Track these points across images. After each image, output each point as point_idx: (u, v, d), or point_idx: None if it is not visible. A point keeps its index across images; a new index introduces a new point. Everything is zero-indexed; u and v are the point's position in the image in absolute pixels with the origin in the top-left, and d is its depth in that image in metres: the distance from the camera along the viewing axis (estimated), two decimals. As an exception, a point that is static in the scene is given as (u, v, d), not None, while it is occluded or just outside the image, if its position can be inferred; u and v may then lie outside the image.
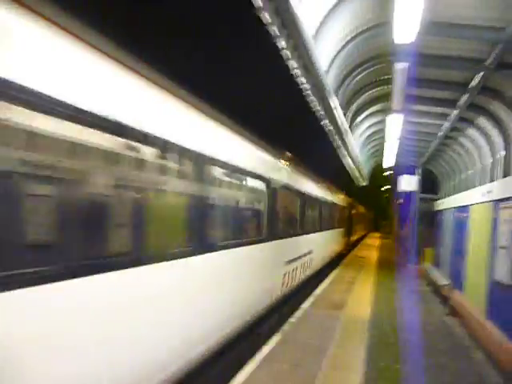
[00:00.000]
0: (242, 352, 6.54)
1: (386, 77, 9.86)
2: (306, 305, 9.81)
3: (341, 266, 17.64)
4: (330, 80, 8.19)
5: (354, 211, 28.24)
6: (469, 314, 9.52)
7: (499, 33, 6.66)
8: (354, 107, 11.30)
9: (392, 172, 31.94)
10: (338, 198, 18.95)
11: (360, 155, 18.60)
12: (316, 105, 8.56)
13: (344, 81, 9.15)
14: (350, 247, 25.59)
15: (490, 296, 8.39)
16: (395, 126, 11.16)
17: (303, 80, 6.99)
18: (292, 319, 8.46)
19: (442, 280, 11.59)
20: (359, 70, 8.86)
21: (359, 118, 12.57)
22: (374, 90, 10.66)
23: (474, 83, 8.71)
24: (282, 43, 5.47)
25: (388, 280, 15.08)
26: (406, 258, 19.87)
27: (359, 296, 11.35)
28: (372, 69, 8.97)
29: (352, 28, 7.51)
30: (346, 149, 14.39)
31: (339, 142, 12.69)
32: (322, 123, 9.84)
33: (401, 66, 7.47)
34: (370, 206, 60.29)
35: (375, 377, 6.01)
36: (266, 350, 6.59)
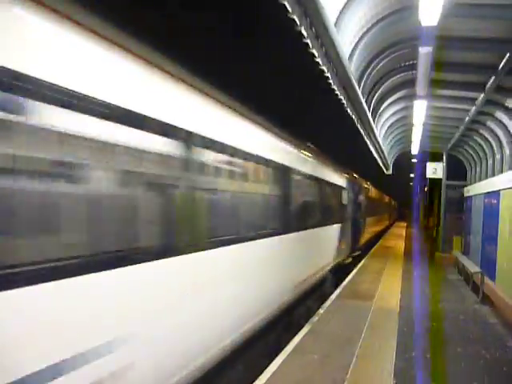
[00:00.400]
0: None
1: (410, 62, 9.67)
2: (334, 296, 9.78)
3: (368, 257, 17.50)
4: (353, 67, 8.07)
5: (382, 201, 28.83)
6: (502, 301, 9.33)
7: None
8: (377, 94, 11.11)
9: (416, 160, 31.47)
10: (372, 192, 22.04)
11: (384, 143, 18.33)
12: (339, 93, 8.46)
13: (367, 68, 9.00)
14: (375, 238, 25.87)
15: (523, 283, 8.20)
16: (420, 112, 10.95)
17: (325, 69, 6.90)
18: (321, 310, 8.45)
19: (473, 268, 11.36)
20: (382, 56, 8.69)
21: (383, 106, 12.37)
22: (397, 76, 10.46)
23: (501, 64, 8.46)
24: (303, 32, 5.42)
25: (416, 269, 14.89)
26: (434, 246, 19.58)
27: (388, 286, 11.24)
28: (395, 54, 8.79)
29: (374, 13, 7.37)
30: (370, 137, 14.21)
31: (364, 131, 12.55)
32: (347, 112, 9.72)
33: (425, 50, 7.32)
34: (395, 194, 59.57)
35: (407, 367, 5.95)
36: (295, 340, 6.61)
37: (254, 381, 5.19)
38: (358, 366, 5.70)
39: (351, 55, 7.95)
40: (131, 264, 3.16)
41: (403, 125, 16.24)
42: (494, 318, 8.84)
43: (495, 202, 10.96)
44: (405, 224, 54.42)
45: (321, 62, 6.59)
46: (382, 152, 18.96)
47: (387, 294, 10.17)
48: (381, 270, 13.98)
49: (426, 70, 8.10)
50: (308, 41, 5.70)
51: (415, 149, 18.72)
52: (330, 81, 7.49)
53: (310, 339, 6.70)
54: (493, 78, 9.17)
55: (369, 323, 7.70)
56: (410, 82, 10.32)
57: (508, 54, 8.01)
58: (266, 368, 5.55)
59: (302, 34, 5.48)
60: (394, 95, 11.74)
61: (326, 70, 6.98)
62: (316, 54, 6.22)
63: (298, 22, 5.25)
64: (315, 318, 7.86)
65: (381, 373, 5.52)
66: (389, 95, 11.61)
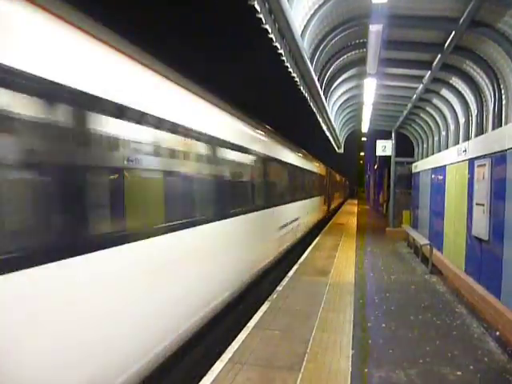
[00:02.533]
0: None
1: (361, 40, 9.77)
2: (291, 273, 9.92)
3: (322, 234, 17.85)
4: (305, 44, 8.05)
5: (333, 179, 29.43)
6: (449, 271, 9.82)
7: (473, -11, 6.63)
8: (329, 72, 11.19)
9: (366, 138, 32.24)
10: (320, 168, 20.37)
11: (336, 121, 18.59)
12: (292, 70, 8.43)
13: (319, 45, 9.01)
14: (330, 214, 26.52)
15: (468, 252, 8.64)
16: (370, 90, 11.14)
17: (278, 45, 6.83)
18: (279, 287, 8.55)
19: (422, 240, 11.86)
20: (334, 33, 8.72)
21: (335, 84, 12.49)
22: (349, 54, 10.57)
23: (447, 42, 8.72)
24: (257, 6, 5.31)
25: (369, 244, 15.38)
26: (385, 221, 20.26)
27: (343, 261, 11.54)
28: (347, 32, 8.84)
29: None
30: (322, 115, 14.34)
31: (315, 109, 12.64)
32: (299, 89, 9.73)
33: (375, 28, 7.37)
34: (346, 173, 60.97)
35: (363, 336, 6.16)
36: (256, 317, 6.66)
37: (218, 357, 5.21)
38: (317, 339, 5.83)
39: (303, 32, 7.93)
40: None
41: (354, 103, 16.53)
42: (443, 286, 9.30)
43: (441, 176, 11.42)
44: (356, 201, 55.96)
45: (274, 39, 6.53)
46: (334, 130, 19.25)
47: (342, 269, 10.43)
48: (335, 246, 14.31)
49: (376, 48, 8.19)
50: (261, 16, 5.60)
51: (365, 127, 19.15)
52: (283, 58, 7.44)
53: (270, 315, 6.78)
54: (439, 55, 9.45)
55: (326, 298, 7.88)
56: (361, 61, 10.44)
57: (453, 32, 8.26)
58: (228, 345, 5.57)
59: (256, 9, 5.38)
60: (346, 73, 11.87)
61: (279, 47, 6.92)
62: (269, 30, 6.14)
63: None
64: (274, 295, 7.95)
65: (339, 344, 5.68)
66: (340, 73, 11.72)
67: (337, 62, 10.80)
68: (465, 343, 6.06)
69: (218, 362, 5.08)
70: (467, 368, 5.23)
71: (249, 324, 6.36)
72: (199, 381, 4.65)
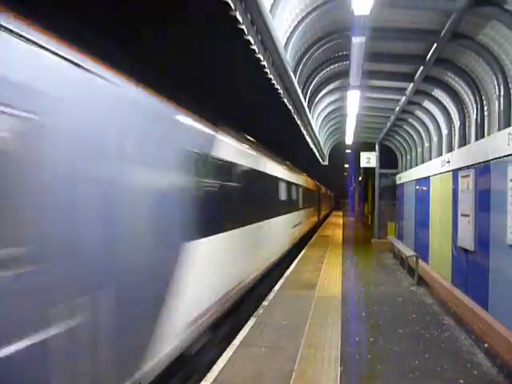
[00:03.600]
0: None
1: (344, 52, 9.80)
2: (277, 287, 9.77)
3: (308, 246, 17.77)
4: (288, 57, 8.03)
5: (321, 192, 31.14)
6: (436, 282, 9.78)
7: (454, 2, 6.68)
8: (313, 85, 11.19)
9: (350, 150, 32.47)
10: (313, 184, 24.54)
11: (320, 134, 18.65)
12: (276, 83, 8.39)
13: (302, 58, 9.00)
14: (321, 220, 32.08)
15: (454, 263, 8.61)
16: (353, 102, 11.17)
17: (261, 56, 6.78)
18: (265, 302, 8.39)
19: (408, 251, 11.84)
20: (317, 46, 8.71)
21: (319, 96, 12.51)
22: (332, 67, 10.59)
23: (429, 54, 8.79)
24: (238, 17, 5.25)
25: (355, 256, 15.33)
26: (370, 233, 20.27)
27: (329, 274, 11.44)
28: (330, 44, 8.85)
29: (308, 2, 7.35)
30: (306, 128, 14.36)
31: (300, 121, 12.63)
32: (283, 102, 9.69)
33: (358, 40, 7.39)
34: (331, 185, 61.31)
35: (351, 351, 6.04)
36: (242, 334, 6.49)
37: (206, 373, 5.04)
38: (305, 356, 5.68)
39: (286, 44, 7.90)
40: None
41: (338, 115, 16.58)
42: (430, 298, 9.25)
43: (425, 188, 11.46)
44: (342, 213, 56.19)
45: (257, 50, 6.47)
46: (319, 143, 19.29)
47: (329, 282, 10.33)
48: (321, 258, 14.23)
49: (358, 61, 8.21)
50: (243, 27, 5.54)
51: (349, 139, 19.22)
52: (267, 70, 7.39)
53: (256, 332, 6.62)
54: (421, 68, 9.51)
55: (313, 312, 7.75)
56: (345, 73, 10.46)
57: (435, 45, 8.32)
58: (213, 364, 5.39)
59: (237, 20, 5.32)
60: (329, 85, 11.90)
61: (262, 59, 6.86)
62: (252, 41, 6.08)
63: (232, 7, 5.07)
64: (260, 311, 7.79)
65: (328, 360, 5.54)
66: (324, 86, 11.74)
67: (320, 74, 10.82)
68: (454, 356, 5.98)
69: (202, 382, 4.90)
70: (457, 382, 5.14)
71: (234, 341, 6.19)
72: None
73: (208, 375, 5.08)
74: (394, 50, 9.39)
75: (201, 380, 4.98)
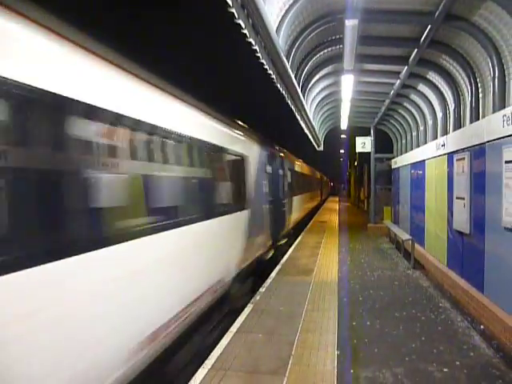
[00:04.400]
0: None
1: (337, 36, 9.67)
2: (274, 273, 9.78)
3: (304, 232, 17.79)
4: (281, 41, 7.91)
5: (317, 178, 32.21)
6: (432, 265, 9.82)
7: (447, -18, 6.57)
8: (306, 69, 11.06)
9: (345, 135, 32.38)
10: (314, 172, 28.65)
11: (315, 119, 18.54)
12: (268, 68, 8.28)
13: (295, 42, 8.87)
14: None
15: (450, 246, 8.64)
16: (347, 87, 11.07)
17: (253, 41, 6.67)
18: (262, 289, 8.40)
19: (404, 235, 11.86)
20: (310, 29, 8.57)
21: (312, 81, 12.37)
22: (326, 51, 10.44)
23: (423, 37, 8.69)
24: (228, 0, 5.14)
25: (351, 241, 15.37)
26: (366, 218, 20.32)
27: (326, 259, 11.46)
28: (323, 28, 8.71)
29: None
30: (301, 113, 14.25)
31: (294, 107, 12.52)
32: (277, 87, 9.57)
33: (351, 23, 7.27)
34: (327, 170, 61.29)
35: (349, 336, 6.06)
36: (239, 320, 6.50)
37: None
38: (302, 341, 5.70)
39: (278, 28, 7.78)
40: None
41: (332, 100, 16.45)
42: (426, 281, 9.29)
43: (421, 171, 11.45)
44: (337, 199, 56.26)
45: (248, 34, 6.35)
46: (313, 128, 19.18)
47: (325, 267, 10.35)
48: (318, 244, 14.25)
49: (352, 44, 8.10)
50: (233, 10, 5.43)
51: (344, 124, 19.13)
52: (259, 54, 7.28)
53: (253, 318, 6.62)
54: (415, 50, 9.42)
55: (310, 297, 7.77)
56: (338, 57, 10.34)
57: (429, 26, 8.22)
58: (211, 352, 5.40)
59: (227, 3, 5.20)
60: (323, 70, 11.76)
61: (253, 43, 6.75)
62: (243, 25, 5.96)
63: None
64: (257, 297, 7.80)
65: (325, 344, 5.56)
66: (317, 70, 11.60)
67: (314, 59, 10.68)
68: (450, 338, 6.01)
69: (200, 369, 4.91)
70: (453, 364, 5.17)
71: (231, 328, 6.19)
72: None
73: (206, 362, 5.08)
74: (387, 32, 9.27)
75: (198, 367, 4.99)
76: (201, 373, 4.83)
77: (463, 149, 7.80)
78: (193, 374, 4.81)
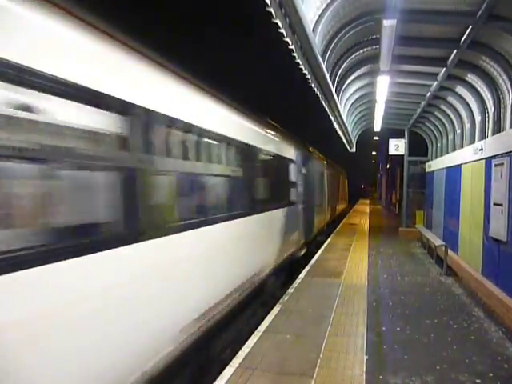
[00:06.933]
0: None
1: (374, 36, 9.53)
2: (303, 274, 9.75)
3: (334, 234, 17.64)
4: (317, 40, 7.85)
5: (347, 180, 33.21)
6: (465, 272, 9.56)
7: (491, -19, 6.37)
8: (341, 69, 10.94)
9: (378, 137, 31.89)
10: (341, 173, 28.14)
11: (348, 120, 18.34)
12: (304, 68, 8.23)
13: (331, 41, 8.78)
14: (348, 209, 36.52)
15: (485, 253, 8.39)
16: (383, 88, 10.89)
17: (289, 40, 6.64)
18: (291, 290, 8.38)
19: (436, 241, 11.59)
20: (347, 28, 8.46)
21: (347, 81, 12.24)
22: (362, 51, 10.29)
23: (463, 38, 8.46)
24: (267, 0, 5.14)
25: (382, 244, 15.14)
26: (398, 221, 19.97)
27: (355, 262, 11.33)
28: (360, 28, 8.59)
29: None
30: (334, 114, 14.13)
31: (327, 107, 12.42)
32: (311, 87, 9.52)
33: (389, 23, 7.16)
34: (359, 172, 60.63)
35: (377, 341, 5.97)
36: (267, 320, 6.51)
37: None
38: (330, 344, 5.65)
39: (315, 27, 7.73)
40: None
41: (366, 101, 16.21)
42: (459, 288, 9.05)
43: (456, 176, 11.15)
44: (368, 201, 55.53)
45: (285, 34, 6.34)
46: (346, 129, 18.98)
47: (355, 270, 10.23)
48: (347, 246, 14.11)
49: (389, 44, 7.96)
50: (271, 9, 5.43)
51: (378, 126, 18.83)
52: (295, 54, 7.25)
53: (281, 318, 6.62)
54: (455, 51, 9.18)
55: (339, 300, 7.70)
56: (374, 57, 10.19)
57: (470, 27, 8.00)
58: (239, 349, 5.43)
59: (266, 2, 5.21)
60: (358, 71, 11.60)
61: (290, 42, 6.73)
62: (280, 25, 5.95)
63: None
64: (285, 298, 7.79)
65: (353, 349, 5.50)
66: (353, 71, 11.46)
67: (349, 59, 10.55)
68: (483, 348, 5.84)
69: (227, 368, 4.94)
70: (486, 375, 5.01)
71: (260, 328, 6.21)
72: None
73: (233, 360, 5.11)
74: (426, 33, 9.06)
75: (225, 366, 5.02)
76: (228, 371, 4.86)
77: (502, 154, 7.55)
78: (219, 373, 4.84)
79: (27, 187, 2.60)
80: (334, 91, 10.85)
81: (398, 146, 19.01)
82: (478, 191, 8.96)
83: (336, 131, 18.34)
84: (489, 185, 8.18)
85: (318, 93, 10.31)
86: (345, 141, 23.07)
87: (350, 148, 27.28)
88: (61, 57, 2.74)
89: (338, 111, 13.18)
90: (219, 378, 4.69)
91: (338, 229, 19.87)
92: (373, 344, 5.81)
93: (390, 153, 20.03)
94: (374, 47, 9.92)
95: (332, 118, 14.50)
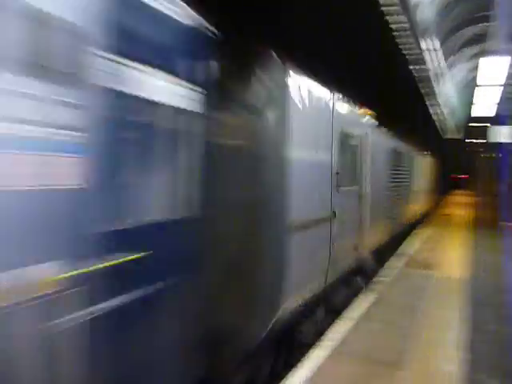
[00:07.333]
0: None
1: (484, 13, 8.79)
2: (397, 264, 9.52)
3: (427, 225, 16.90)
4: (423, 17, 7.43)
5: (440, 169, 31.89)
6: None
7: None
8: (445, 50, 10.27)
9: (483, 124, 29.61)
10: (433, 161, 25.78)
11: (446, 106, 17.27)
12: (403, 49, 7.85)
13: (436, 18, 8.26)
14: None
15: None
16: (495, 70, 10.01)
17: (390, 19, 6.35)
18: (385, 278, 8.24)
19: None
20: (453, 4, 7.92)
21: (450, 62, 11.47)
22: (469, 28, 9.58)
23: None
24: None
25: (479, 238, 14.17)
26: (496, 214, 18.53)
27: (449, 255, 10.78)
28: (468, 4, 7.98)
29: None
30: (430, 99, 13.36)
31: (429, 90, 11.75)
32: (410, 68, 9.05)
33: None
34: (452, 160, 57.17)
35: (477, 339, 5.60)
36: (360, 309, 6.46)
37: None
38: (423, 337, 5.45)
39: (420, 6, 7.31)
40: None
41: (475, 85, 15.05)
42: None
43: None
44: (464, 192, 52.15)
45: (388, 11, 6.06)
46: (443, 115, 17.89)
47: (449, 263, 9.76)
48: (440, 238, 13.46)
49: (505, 21, 7.28)
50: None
51: (483, 112, 17.44)
52: (396, 33, 6.93)
53: (374, 307, 6.56)
54: None
55: (432, 293, 7.42)
56: (482, 37, 9.43)
57: None
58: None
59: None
60: (464, 50, 10.83)
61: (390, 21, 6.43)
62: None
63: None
64: (379, 286, 7.67)
65: (447, 344, 5.24)
66: (458, 51, 10.73)
67: (454, 38, 9.87)
68: None
69: (317, 350, 4.96)
70: None
71: (350, 314, 6.18)
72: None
73: (321, 343, 5.13)
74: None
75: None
76: (316, 353, 4.88)
77: None
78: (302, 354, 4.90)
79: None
80: (431, 75, 10.24)
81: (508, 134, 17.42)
82: None
83: (440, 120, 17.30)
84: None
85: (416, 76, 9.79)
86: (439, 128, 21.78)
87: (445, 135, 25.72)
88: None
89: (435, 96, 12.44)
90: (305, 357, 4.74)
91: (430, 219, 18.96)
92: (469, 342, 5.47)
93: (491, 140, 18.50)
94: (485, 24, 9.14)
95: (428, 104, 13.73)
